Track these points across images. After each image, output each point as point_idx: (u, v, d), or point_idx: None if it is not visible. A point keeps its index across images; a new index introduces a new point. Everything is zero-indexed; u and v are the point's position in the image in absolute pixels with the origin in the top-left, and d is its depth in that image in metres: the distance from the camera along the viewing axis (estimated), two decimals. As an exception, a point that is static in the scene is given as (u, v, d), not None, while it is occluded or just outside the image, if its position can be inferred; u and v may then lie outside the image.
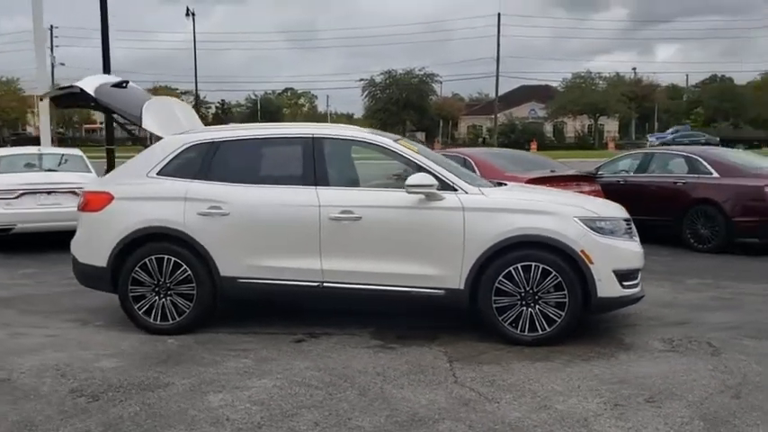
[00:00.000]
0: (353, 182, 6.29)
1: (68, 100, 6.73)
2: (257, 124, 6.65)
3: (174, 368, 5.13)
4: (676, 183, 10.85)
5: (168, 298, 5.96)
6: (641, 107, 73.73)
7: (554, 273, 5.51)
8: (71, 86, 6.38)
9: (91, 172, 11.29)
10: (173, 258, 5.90)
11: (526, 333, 5.59)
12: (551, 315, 5.56)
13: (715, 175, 10.43)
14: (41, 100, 6.69)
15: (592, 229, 5.58)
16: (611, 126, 72.69)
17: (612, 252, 5.62)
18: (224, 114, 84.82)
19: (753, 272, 8.80)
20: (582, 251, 5.49)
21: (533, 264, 5.54)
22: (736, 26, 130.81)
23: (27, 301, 7.37)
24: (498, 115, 65.57)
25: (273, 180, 6.00)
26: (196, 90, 63.17)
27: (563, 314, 5.54)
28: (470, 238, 5.56)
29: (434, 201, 5.63)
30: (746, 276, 8.44)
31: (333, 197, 5.78)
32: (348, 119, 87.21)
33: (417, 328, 6.07)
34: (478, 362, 5.22)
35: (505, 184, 6.55)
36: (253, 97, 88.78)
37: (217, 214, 5.85)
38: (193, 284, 5.90)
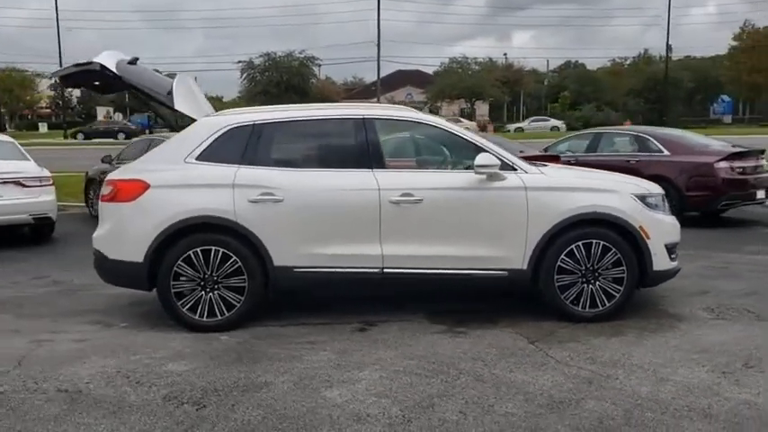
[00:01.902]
0: (411, 163, 6.12)
1: (80, 78, 6.04)
2: (297, 105, 6.29)
3: (255, 366, 4.80)
4: (629, 161, 11.39)
5: (216, 292, 5.55)
6: (512, 91, 76.86)
7: (614, 249, 5.64)
8: (89, 63, 5.71)
9: (29, 160, 10.30)
10: (221, 250, 5.49)
11: (587, 309, 5.70)
12: (610, 291, 5.69)
13: (666, 153, 11.07)
14: (51, 78, 5.93)
15: (646, 205, 5.76)
16: (482, 110, 75.27)
17: (662, 226, 5.84)
18: (90, 98, 79.80)
19: (723, 242, 9.46)
20: (640, 227, 5.66)
21: (594, 241, 5.64)
22: (586, 15, 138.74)
23: (17, 305, 6.61)
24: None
25: (326, 164, 5.72)
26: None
27: (621, 289, 5.70)
28: (534, 218, 5.57)
29: (497, 181, 5.59)
30: (721, 247, 9.05)
31: (392, 180, 5.60)
32: (219, 101, 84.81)
33: (469, 312, 6.04)
34: (558, 340, 5.26)
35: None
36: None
37: (269, 201, 5.50)
38: (244, 276, 5.53)
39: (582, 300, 5.70)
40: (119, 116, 72.12)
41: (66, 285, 7.38)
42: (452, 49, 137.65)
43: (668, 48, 66.09)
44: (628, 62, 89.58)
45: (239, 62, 67.23)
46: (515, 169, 5.69)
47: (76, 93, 78.43)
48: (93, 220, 12.60)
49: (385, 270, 5.60)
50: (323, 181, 5.60)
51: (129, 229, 5.57)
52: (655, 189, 6.06)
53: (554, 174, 5.91)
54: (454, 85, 66.10)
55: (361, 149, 5.68)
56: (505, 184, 5.60)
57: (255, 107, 6.47)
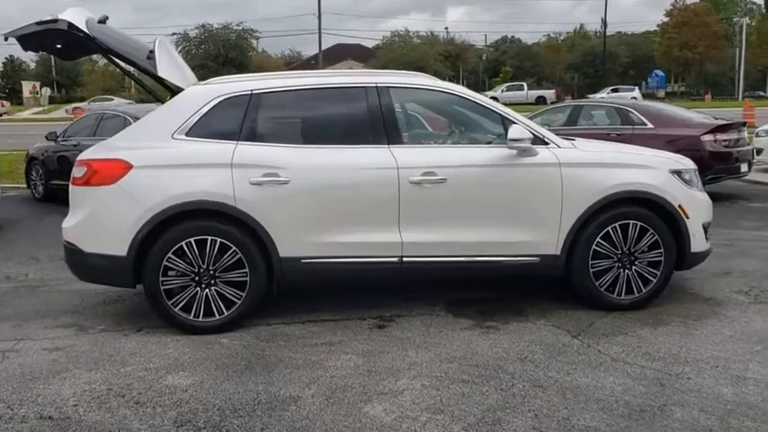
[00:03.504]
0: (430, 138, 5.47)
1: (43, 39, 5.11)
2: (299, 72, 5.55)
3: (272, 376, 4.12)
4: (610, 134, 11.00)
5: (213, 288, 4.81)
6: (454, 66, 76.63)
7: (651, 231, 5.15)
8: (54, 20, 4.80)
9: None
10: (218, 239, 4.76)
11: (623, 296, 5.22)
12: (647, 276, 5.22)
13: (650, 125, 10.73)
14: (6, 40, 4.99)
15: (683, 181, 5.30)
16: (426, 84, 74.59)
17: (699, 204, 5.40)
18: (13, 72, 75.80)
19: (716, 217, 9.14)
20: (679, 205, 5.19)
21: (631, 222, 5.14)
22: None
23: (-32, 306, 5.71)
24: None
25: (336, 139, 5.02)
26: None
27: (658, 273, 5.23)
28: (569, 197, 5.03)
29: (528, 156, 5.01)
30: (716, 223, 8.71)
31: (412, 157, 4.95)
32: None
33: (490, 302, 5.50)
34: (603, 333, 4.76)
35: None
36: (45, 54, 79.82)
37: (274, 183, 4.78)
38: (246, 270, 4.81)
39: (618, 286, 5.20)
40: (46, 90, 68.61)
41: (22, 281, 6.48)
42: (387, 24, 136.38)
43: (605, 23, 67.00)
44: (562, 37, 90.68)
45: (173, 34, 64.67)
46: (547, 143, 5.12)
47: (-1, 66, 74.26)
48: (38, 203, 11.55)
49: (404, 259, 4.96)
50: (333, 159, 4.90)
51: (108, 217, 4.76)
52: (689, 163, 5.59)
53: (588, 148, 5.37)
54: (397, 59, 65.24)
55: (374, 122, 5.00)
56: (538, 160, 5.02)
57: (251, 74, 5.69)
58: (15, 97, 65.48)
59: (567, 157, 5.07)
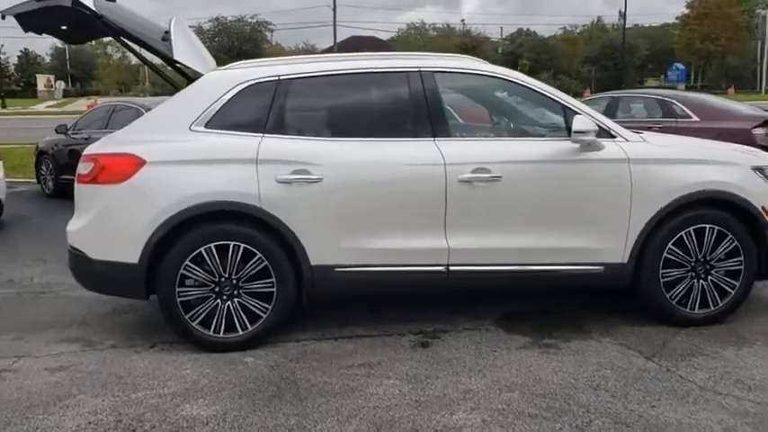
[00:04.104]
0: (482, 130, 4.87)
1: (44, 20, 4.55)
2: (331, 55, 4.95)
3: (305, 406, 3.55)
4: (652, 128, 10.32)
5: (236, 300, 4.25)
6: (470, 58, 75.65)
7: (730, 236, 4.53)
8: (57, -3, 4.24)
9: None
10: (242, 245, 4.19)
11: (697, 310, 4.60)
12: (724, 287, 4.60)
13: (695, 118, 10.05)
14: (3, 18, 4.46)
15: (767, 179, 4.66)
16: (441, 77, 73.84)
17: None
18: (28, 65, 75.78)
19: None
20: (762, 207, 4.56)
21: (708, 226, 4.52)
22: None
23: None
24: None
25: (374, 131, 4.42)
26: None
27: (737, 284, 4.61)
28: (638, 198, 4.42)
29: (594, 151, 4.40)
30: None
31: (460, 152, 4.35)
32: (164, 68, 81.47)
33: (543, 315, 4.91)
34: (680, 355, 4.15)
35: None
36: (60, 47, 79.80)
37: (304, 181, 4.20)
38: (272, 279, 4.24)
39: (691, 299, 4.58)
40: (60, 84, 68.51)
41: (26, 286, 5.95)
42: (402, 16, 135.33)
43: (624, 14, 65.80)
44: (578, 30, 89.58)
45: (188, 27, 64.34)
46: (614, 136, 4.50)
47: (14, 59, 74.25)
48: (48, 199, 11.04)
49: (451, 268, 4.37)
50: (371, 154, 4.31)
51: (118, 220, 4.20)
52: (768, 159, 4.95)
53: (659, 142, 4.75)
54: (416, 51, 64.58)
55: (418, 112, 4.40)
56: (604, 156, 4.41)
57: (278, 58, 5.11)
58: (30, 90, 65.30)
59: (637, 153, 4.45)
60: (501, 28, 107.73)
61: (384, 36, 75.67)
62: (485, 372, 3.93)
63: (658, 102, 10.62)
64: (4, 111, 45.53)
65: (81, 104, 44.66)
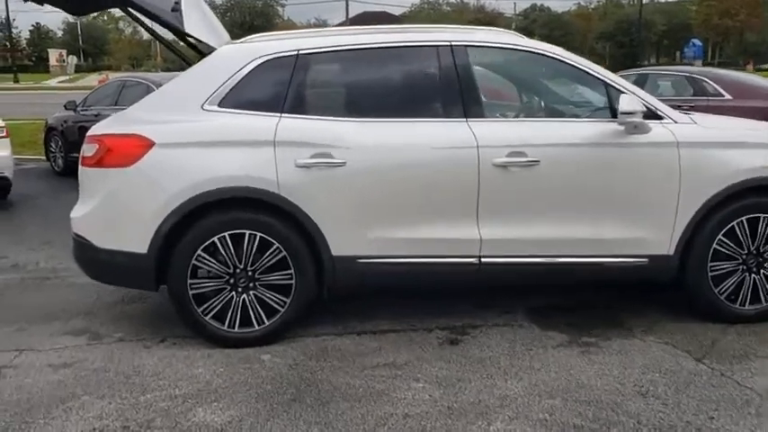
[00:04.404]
0: (518, 110, 4.52)
1: None
2: (354, 28, 4.58)
3: (328, 411, 3.26)
4: (682, 107, 9.89)
5: (251, 293, 3.95)
6: (485, 34, 74.61)
7: (785, 226, 4.18)
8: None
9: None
10: (258, 234, 3.88)
11: (747, 306, 4.27)
12: (775, 281, 4.26)
13: (727, 96, 9.61)
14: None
15: None
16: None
17: None
18: (39, 39, 75.46)
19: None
20: (822, 197, 4.19)
21: (762, 216, 4.17)
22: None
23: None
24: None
25: (402, 111, 4.08)
26: (7, 10, 54.95)
27: (791, 279, 4.26)
28: (687, 185, 4.06)
29: (641, 134, 4.03)
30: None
31: (495, 134, 4.00)
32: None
33: (578, 310, 4.61)
34: (733, 356, 3.83)
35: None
36: (72, 21, 79.33)
37: (325, 165, 3.87)
38: (291, 271, 3.93)
39: (741, 294, 4.24)
40: (72, 59, 68.22)
41: (31, 271, 5.68)
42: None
43: (641, -11, 64.57)
44: (593, 5, 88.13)
45: (200, 2, 63.69)
46: (661, 117, 4.14)
47: (26, 33, 73.98)
48: (57, 177, 10.76)
49: (483, 260, 4.05)
50: (399, 136, 3.98)
51: (125, 206, 3.90)
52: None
53: (711, 124, 4.39)
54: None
55: (449, 90, 4.05)
56: (651, 139, 4.05)
57: (297, 30, 4.75)
58: (42, 65, 65.00)
59: (686, 136, 4.09)
60: (514, 3, 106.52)
61: (396, 11, 74.74)
62: (521, 374, 3.62)
63: (688, 79, 10.17)
64: (15, 85, 45.31)
65: (93, 80, 44.36)
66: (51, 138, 11.11)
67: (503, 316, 4.44)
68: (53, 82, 53.49)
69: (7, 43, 62.80)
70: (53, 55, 66.94)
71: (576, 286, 4.82)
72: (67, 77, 58.79)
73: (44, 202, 8.64)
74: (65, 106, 10.81)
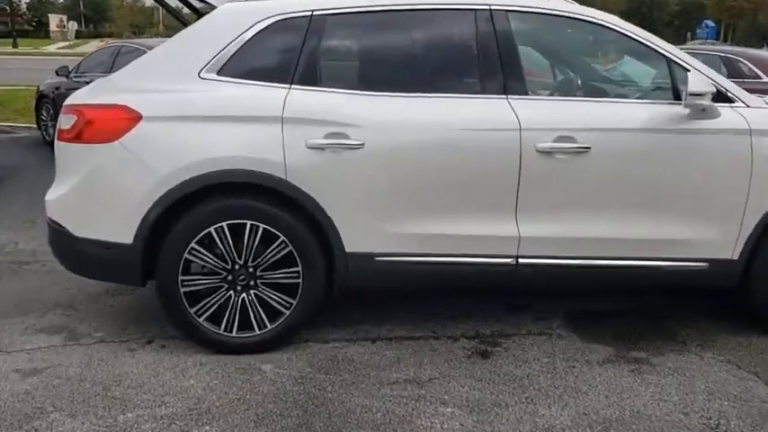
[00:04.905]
0: (566, 87, 3.94)
1: None
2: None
3: (341, 443, 2.73)
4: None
5: (252, 292, 3.41)
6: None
7: None
8: None
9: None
10: (261, 225, 3.33)
11: (819, 320, 3.73)
12: None
13: (765, 78, 8.99)
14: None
15: None
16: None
17: None
18: (40, 4, 74.32)
19: None
20: None
21: (843, 216, 3.61)
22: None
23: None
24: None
25: (431, 86, 3.50)
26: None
27: None
28: (760, 179, 3.50)
29: (707, 119, 3.46)
30: None
31: (541, 115, 3.44)
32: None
33: (623, 316, 4.08)
34: (807, 379, 3.29)
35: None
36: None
37: (341, 147, 3.30)
38: (298, 269, 3.39)
39: (811, 305, 3.71)
40: (73, 24, 67.18)
41: (9, 254, 5.14)
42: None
43: (655, -32, 63.44)
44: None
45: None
46: (732, 100, 3.56)
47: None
48: (48, 147, 10.17)
49: (520, 260, 3.50)
50: (428, 114, 3.41)
51: (107, 189, 3.34)
52: None
53: (787, 108, 3.80)
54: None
55: (487, 62, 3.47)
56: (721, 125, 3.48)
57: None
58: (42, 30, 64.01)
59: (762, 122, 3.52)
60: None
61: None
62: (566, 398, 3.10)
63: (722, 59, 9.53)
64: (14, 51, 44.44)
65: (93, 46, 43.48)
66: (42, 105, 10.51)
67: (537, 322, 3.91)
68: (53, 48, 52.53)
69: (7, 8, 61.67)
70: (53, 20, 65.91)
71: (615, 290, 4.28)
72: (68, 43, 57.84)
73: (31, 176, 8.06)
74: (56, 72, 10.20)
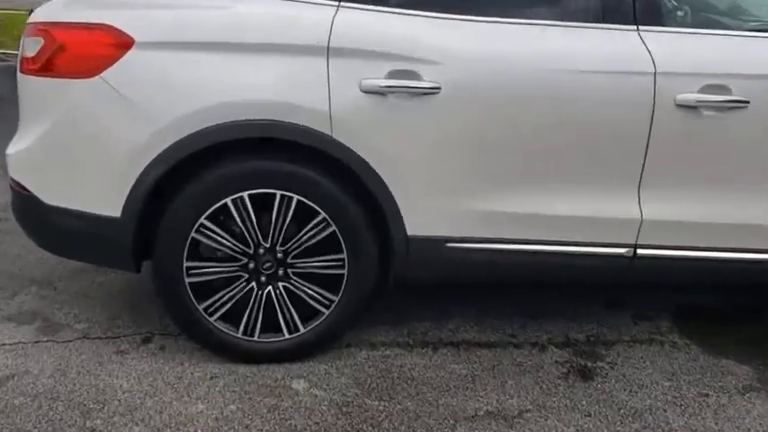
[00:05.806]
0: (714, 18, 2.96)
1: None
2: None
3: None
4: None
5: (281, 284, 2.54)
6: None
7: None
8: None
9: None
10: (295, 197, 2.43)
11: None
12: None
13: None
14: None
15: None
16: None
17: None
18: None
19: None
20: None
21: None
22: None
23: None
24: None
25: (536, 9, 2.55)
26: None
27: None
28: None
29: None
30: None
31: (683, 54, 2.49)
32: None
33: (733, 314, 3.22)
34: None
35: None
36: None
37: (409, 91, 2.37)
38: (342, 255, 2.51)
39: None
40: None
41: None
42: None
43: None
44: None
45: None
46: None
47: None
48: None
49: (639, 251, 2.60)
50: (528, 50, 2.46)
51: (87, 142, 2.44)
52: None
53: None
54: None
55: (611, -20, 2.50)
56: None
57: None
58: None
59: None
60: None
61: None
62: (711, 447, 2.25)
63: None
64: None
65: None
66: (39, 31, 9.51)
67: (640, 324, 3.06)
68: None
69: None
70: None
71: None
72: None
73: (15, 113, 7.13)
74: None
